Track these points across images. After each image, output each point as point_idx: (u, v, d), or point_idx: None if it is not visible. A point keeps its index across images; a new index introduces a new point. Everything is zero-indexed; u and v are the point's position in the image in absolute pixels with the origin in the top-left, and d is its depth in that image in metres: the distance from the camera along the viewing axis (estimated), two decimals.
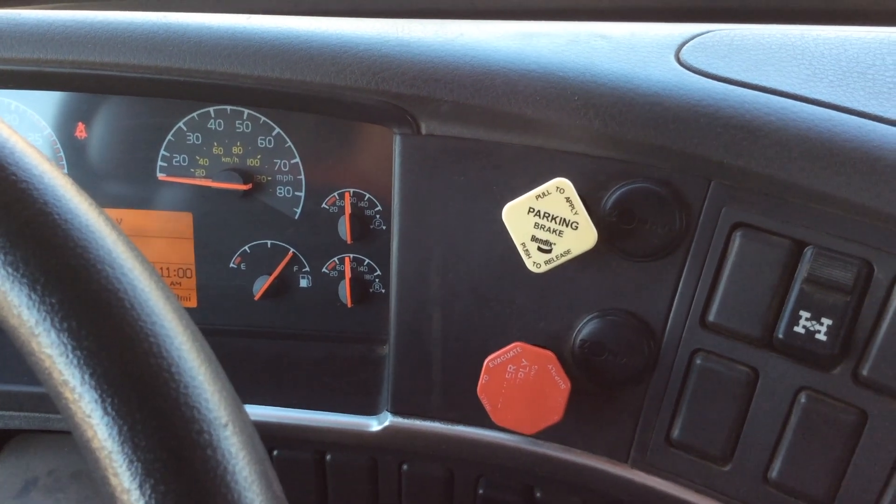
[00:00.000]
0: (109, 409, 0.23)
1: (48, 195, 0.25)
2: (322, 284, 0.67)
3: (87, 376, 0.24)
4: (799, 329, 0.47)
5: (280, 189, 0.65)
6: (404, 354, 0.57)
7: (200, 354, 0.26)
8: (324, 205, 0.65)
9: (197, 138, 0.64)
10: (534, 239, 0.50)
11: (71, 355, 0.24)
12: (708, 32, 0.56)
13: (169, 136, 0.65)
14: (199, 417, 0.24)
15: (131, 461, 0.23)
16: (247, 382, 0.63)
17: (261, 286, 0.67)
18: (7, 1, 0.78)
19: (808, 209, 0.47)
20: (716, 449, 0.51)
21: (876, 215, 0.45)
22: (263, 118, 0.63)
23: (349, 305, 0.66)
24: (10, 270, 0.24)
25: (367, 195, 0.64)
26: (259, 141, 0.64)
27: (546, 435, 0.55)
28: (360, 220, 0.64)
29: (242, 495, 0.24)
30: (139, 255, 0.27)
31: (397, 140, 0.54)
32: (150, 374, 0.24)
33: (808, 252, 0.47)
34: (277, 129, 0.64)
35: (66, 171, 0.67)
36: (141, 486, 0.23)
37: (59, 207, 0.25)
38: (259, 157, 0.64)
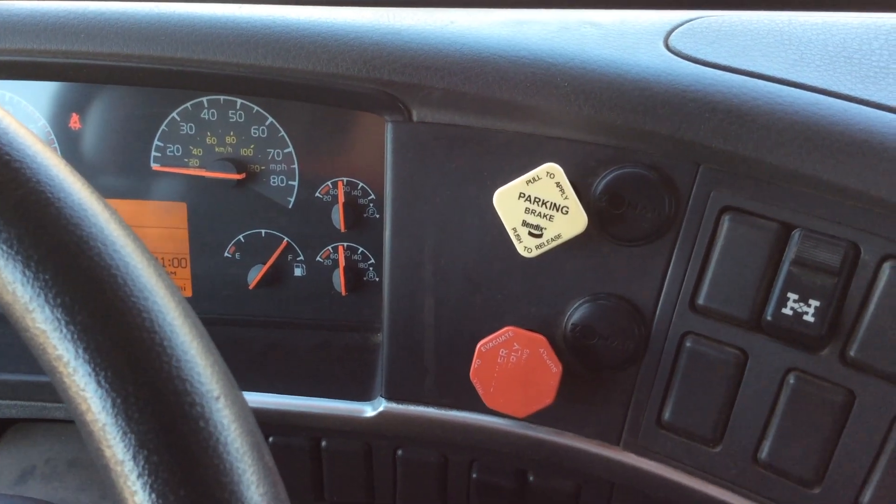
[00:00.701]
0: (103, 382, 0.24)
1: (41, 174, 0.26)
2: (316, 273, 0.68)
3: (80, 350, 0.24)
4: (787, 311, 0.47)
5: (274, 178, 0.65)
6: (398, 340, 0.57)
7: (192, 329, 0.26)
8: (317, 194, 0.65)
9: (190, 128, 0.65)
10: (525, 224, 0.50)
11: (65, 330, 0.24)
12: (696, 19, 0.57)
13: (163, 127, 0.65)
14: (191, 390, 0.25)
15: (125, 433, 0.24)
16: (242, 370, 0.63)
17: (255, 275, 0.67)
18: None
19: (795, 192, 0.47)
20: (706, 430, 0.51)
21: (862, 198, 0.45)
22: (256, 108, 0.64)
23: (343, 294, 0.67)
24: (3, 248, 0.25)
25: (361, 184, 0.65)
26: (252, 130, 0.64)
27: (538, 418, 0.55)
28: (354, 209, 0.65)
29: (234, 466, 0.24)
30: (131, 232, 0.27)
31: (389, 128, 0.54)
32: (142, 348, 0.24)
33: (796, 235, 0.47)
34: (270, 119, 0.64)
35: None
36: (135, 457, 0.23)
37: (52, 186, 0.26)
38: (252, 146, 0.65)
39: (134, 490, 0.23)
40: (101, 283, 0.25)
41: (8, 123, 0.27)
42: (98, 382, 0.24)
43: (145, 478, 0.23)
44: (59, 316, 0.24)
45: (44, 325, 0.24)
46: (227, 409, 0.25)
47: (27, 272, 0.25)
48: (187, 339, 0.26)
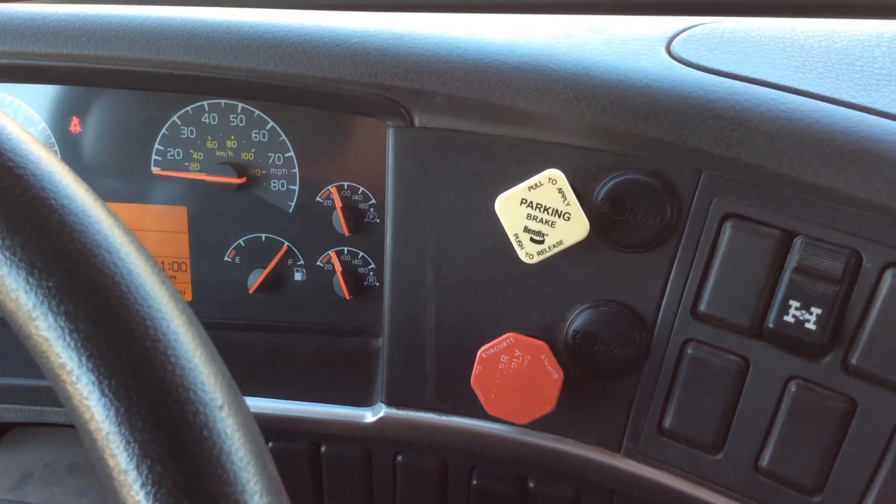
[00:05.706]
0: (106, 390, 0.24)
1: (45, 180, 0.26)
2: (317, 278, 0.68)
3: (83, 358, 0.24)
4: (789, 318, 0.47)
5: (274, 183, 0.65)
6: (398, 346, 0.57)
7: (196, 337, 0.26)
8: (318, 198, 0.65)
9: (191, 132, 0.65)
10: (526, 230, 0.50)
11: (68, 338, 0.24)
12: (698, 25, 0.57)
13: (163, 131, 0.65)
14: (195, 399, 0.24)
15: (128, 442, 0.23)
16: (242, 375, 0.63)
17: (255, 280, 0.67)
18: None
19: (797, 200, 0.47)
20: (707, 438, 0.51)
21: (864, 205, 0.45)
22: (257, 112, 0.64)
23: (347, 298, 0.66)
24: (7, 255, 0.25)
25: (362, 188, 0.64)
26: (253, 135, 0.64)
27: (539, 425, 0.55)
28: (355, 214, 0.65)
29: (238, 475, 0.24)
30: (135, 239, 0.27)
31: (391, 133, 0.54)
32: (146, 357, 0.24)
33: (798, 242, 0.47)
34: (271, 123, 0.64)
35: None
36: (138, 467, 0.23)
37: (55, 192, 0.26)
38: (253, 150, 0.65)
39: (138, 500, 0.23)
40: (104, 290, 0.25)
41: (11, 129, 0.27)
42: (101, 391, 0.24)
43: (149, 487, 0.23)
44: (62, 324, 0.24)
45: (47, 333, 0.24)
46: (230, 419, 0.25)
47: (31, 280, 0.24)
48: (191, 346, 0.25)
